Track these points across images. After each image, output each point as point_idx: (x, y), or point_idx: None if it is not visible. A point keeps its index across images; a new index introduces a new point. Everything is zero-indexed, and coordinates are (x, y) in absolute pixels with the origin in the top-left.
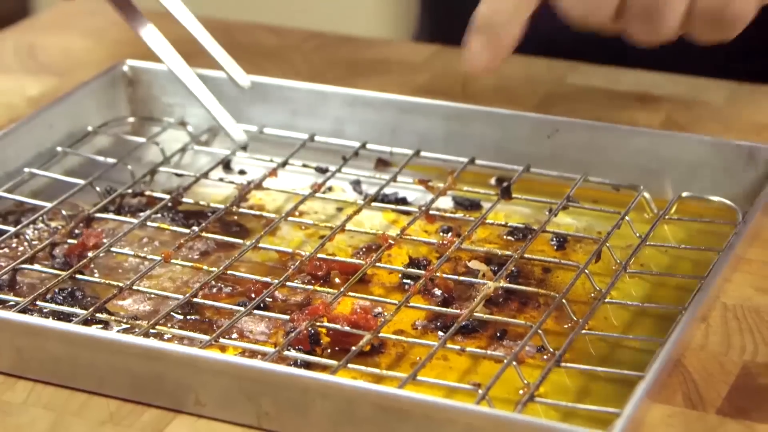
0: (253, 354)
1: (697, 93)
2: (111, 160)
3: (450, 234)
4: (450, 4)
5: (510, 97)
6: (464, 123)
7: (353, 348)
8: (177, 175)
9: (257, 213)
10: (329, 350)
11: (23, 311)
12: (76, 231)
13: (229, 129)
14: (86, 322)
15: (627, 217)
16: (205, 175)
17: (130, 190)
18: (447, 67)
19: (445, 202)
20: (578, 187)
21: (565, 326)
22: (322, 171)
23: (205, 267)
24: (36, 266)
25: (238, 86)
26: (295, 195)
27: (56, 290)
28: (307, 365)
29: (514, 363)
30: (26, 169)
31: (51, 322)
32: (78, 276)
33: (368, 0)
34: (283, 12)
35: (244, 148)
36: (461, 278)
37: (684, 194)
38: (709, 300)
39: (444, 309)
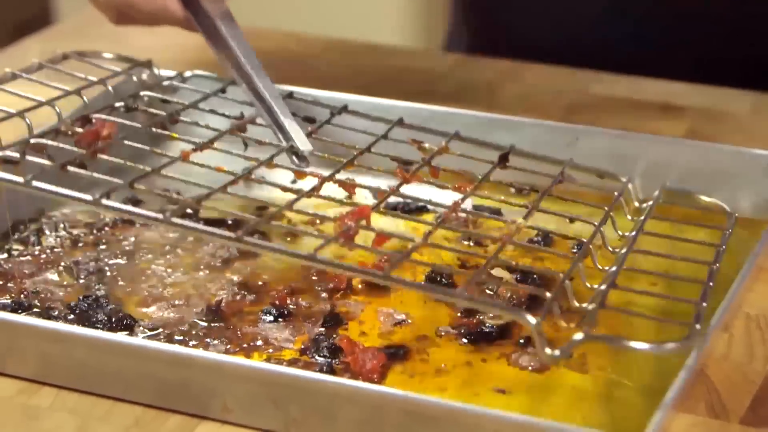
0: (279, 360)
1: (721, 103)
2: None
3: (470, 241)
4: (489, 15)
5: (534, 107)
6: (486, 131)
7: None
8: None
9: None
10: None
11: (48, 317)
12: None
13: (295, 137)
14: (111, 328)
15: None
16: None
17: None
18: (472, 76)
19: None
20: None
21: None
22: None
23: (228, 274)
24: (55, 276)
25: (299, 150)
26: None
27: (80, 297)
28: (333, 372)
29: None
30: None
31: (77, 329)
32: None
33: (393, 9)
34: (307, 20)
35: (305, 159)
36: (484, 213)
37: (668, 183)
38: (732, 310)
39: (467, 308)
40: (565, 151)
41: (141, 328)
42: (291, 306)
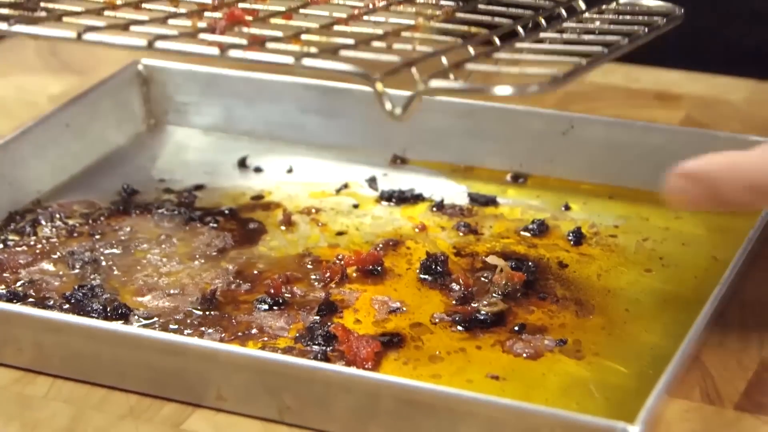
0: (274, 348)
1: (717, 91)
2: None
3: (466, 229)
4: None
5: (530, 96)
6: (479, 119)
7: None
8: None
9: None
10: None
11: (43, 307)
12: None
13: None
14: (106, 317)
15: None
16: None
17: None
18: None
19: (461, 198)
20: None
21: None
22: None
23: (223, 263)
24: (50, 266)
25: None
26: (311, 191)
27: (76, 287)
28: (327, 360)
29: None
30: None
31: (72, 318)
32: None
33: None
34: None
35: None
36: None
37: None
38: (727, 296)
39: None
40: (559, 139)
41: (136, 317)
42: (286, 295)
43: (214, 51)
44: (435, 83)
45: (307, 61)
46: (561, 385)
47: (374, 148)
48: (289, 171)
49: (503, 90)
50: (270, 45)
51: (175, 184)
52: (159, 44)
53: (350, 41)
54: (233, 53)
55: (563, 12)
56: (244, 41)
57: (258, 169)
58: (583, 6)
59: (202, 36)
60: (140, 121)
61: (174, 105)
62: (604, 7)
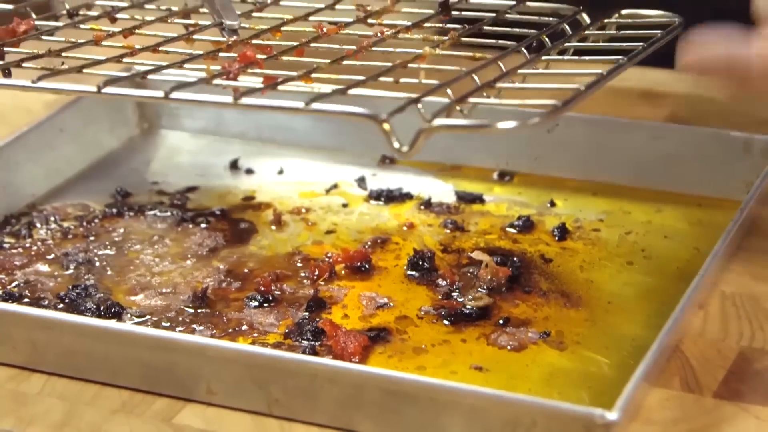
0: (264, 344)
1: (701, 89)
2: None
3: (453, 226)
4: None
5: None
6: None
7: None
8: None
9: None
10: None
11: (39, 307)
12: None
13: (224, 14)
14: (100, 316)
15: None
16: None
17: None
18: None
19: (448, 196)
20: None
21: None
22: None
23: (214, 262)
24: (45, 267)
25: (226, 26)
26: (301, 191)
27: (70, 287)
28: (316, 354)
29: None
30: None
31: (65, 315)
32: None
33: None
34: None
35: (235, 33)
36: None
37: (623, 12)
38: (707, 287)
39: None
40: (545, 137)
41: (129, 315)
42: (276, 292)
43: (228, 99)
44: (438, 121)
45: (317, 105)
46: (543, 375)
47: (363, 149)
48: (280, 172)
49: (506, 125)
50: (282, 87)
51: (168, 187)
52: (175, 95)
53: (360, 77)
54: (246, 100)
55: (567, 28)
56: (257, 84)
57: (249, 171)
58: (587, 20)
59: (216, 82)
60: (133, 125)
61: (167, 109)
62: (606, 21)
